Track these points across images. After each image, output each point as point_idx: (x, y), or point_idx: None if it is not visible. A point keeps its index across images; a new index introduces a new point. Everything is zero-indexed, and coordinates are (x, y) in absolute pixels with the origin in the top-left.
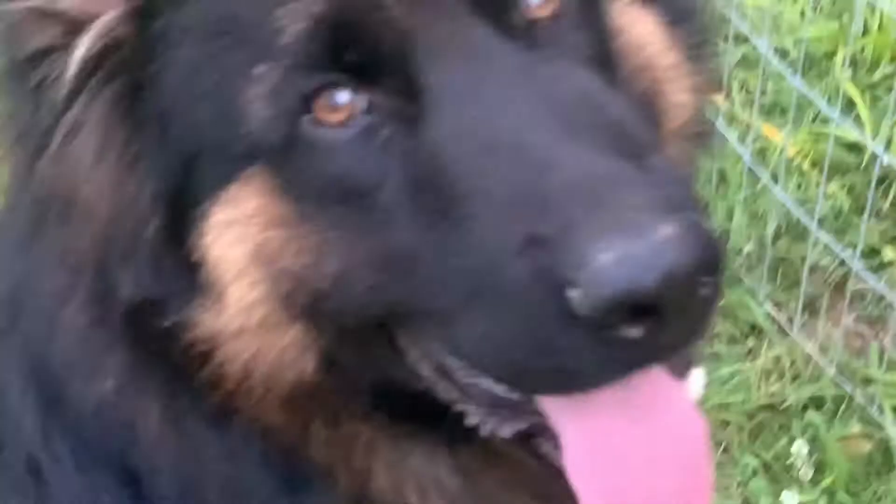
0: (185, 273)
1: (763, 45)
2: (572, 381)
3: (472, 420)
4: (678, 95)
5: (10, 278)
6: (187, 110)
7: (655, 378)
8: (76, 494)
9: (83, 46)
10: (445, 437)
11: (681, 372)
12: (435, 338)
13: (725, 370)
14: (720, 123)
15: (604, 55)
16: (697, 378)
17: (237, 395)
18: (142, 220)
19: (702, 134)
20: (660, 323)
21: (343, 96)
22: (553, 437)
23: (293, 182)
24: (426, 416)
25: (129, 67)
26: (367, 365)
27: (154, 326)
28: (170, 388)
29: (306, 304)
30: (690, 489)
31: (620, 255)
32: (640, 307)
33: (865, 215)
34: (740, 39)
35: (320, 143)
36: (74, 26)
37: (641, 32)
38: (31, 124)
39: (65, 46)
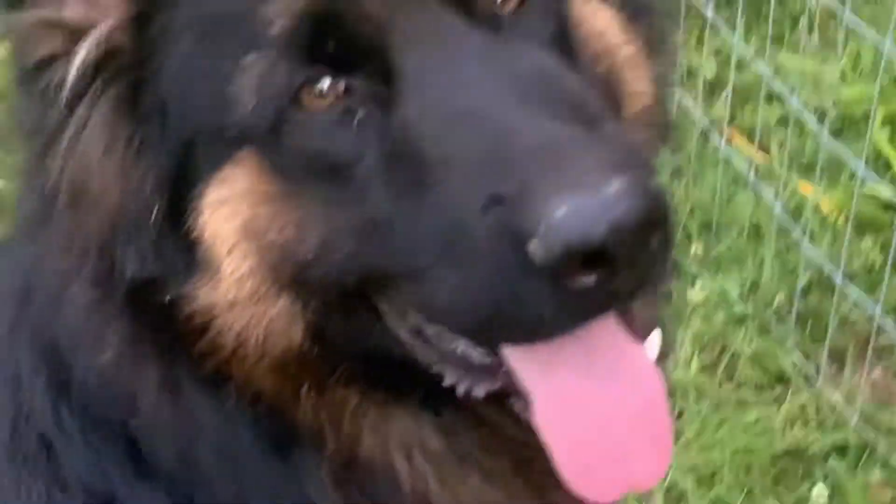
0: (185, 251)
1: (796, 103)
2: (534, 330)
3: (448, 381)
4: (637, 84)
5: (21, 270)
6: (184, 102)
7: (618, 339)
8: (85, 467)
9: (83, 53)
10: (428, 400)
11: (642, 333)
12: (410, 300)
13: (751, 415)
14: (754, 177)
15: (565, 42)
16: (656, 339)
17: (231, 363)
18: (146, 206)
19: (662, 123)
20: (611, 271)
21: (325, 83)
22: (524, 398)
23: (279, 162)
24: (409, 381)
25: (129, 69)
26: (351, 333)
27: (155, 301)
28: (167, 358)
29: (292, 274)
30: (652, 439)
31: (573, 208)
32: (591, 256)
33: (887, 271)
34: (779, 99)
35: (304, 126)
36: (77, 35)
37: (601, 23)
38: (40, 125)
39: (68, 53)
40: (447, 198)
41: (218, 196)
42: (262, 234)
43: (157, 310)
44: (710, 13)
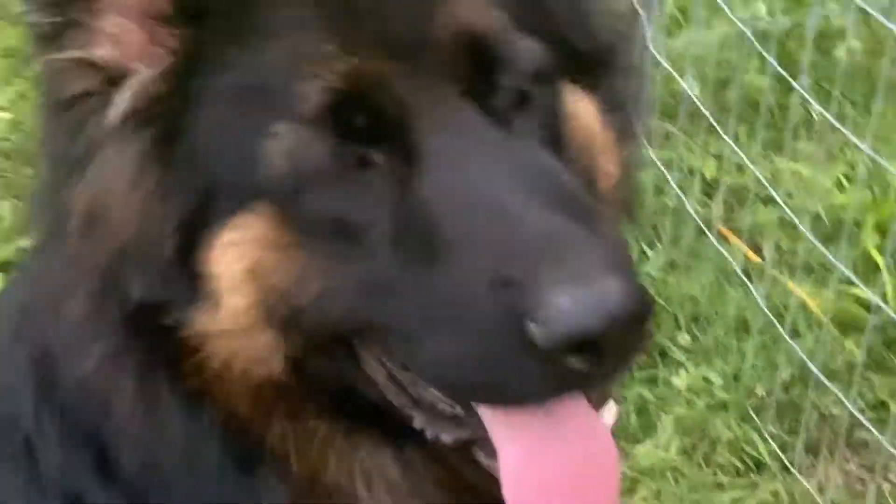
0: (190, 282)
1: (787, 208)
2: (517, 398)
3: (417, 425)
4: (608, 167)
5: (29, 283)
6: (213, 155)
7: (580, 409)
8: (58, 469)
9: (124, 96)
10: (393, 434)
11: (599, 404)
12: (400, 354)
13: (725, 498)
14: (744, 275)
15: (558, 134)
16: (611, 410)
17: (212, 384)
18: (161, 241)
19: (626, 199)
20: (599, 357)
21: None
22: (488, 448)
23: (294, 216)
24: (379, 417)
25: (164, 117)
26: (329, 370)
27: (151, 322)
28: (149, 372)
29: (286, 315)
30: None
31: (576, 301)
32: (585, 343)
33: (857, 369)
34: (774, 201)
35: (325, 190)
36: (111, 76)
37: (586, 117)
38: (65, 154)
39: (101, 92)
40: (456, 272)
41: (231, 239)
42: (266, 277)
43: (151, 329)
44: (710, 116)
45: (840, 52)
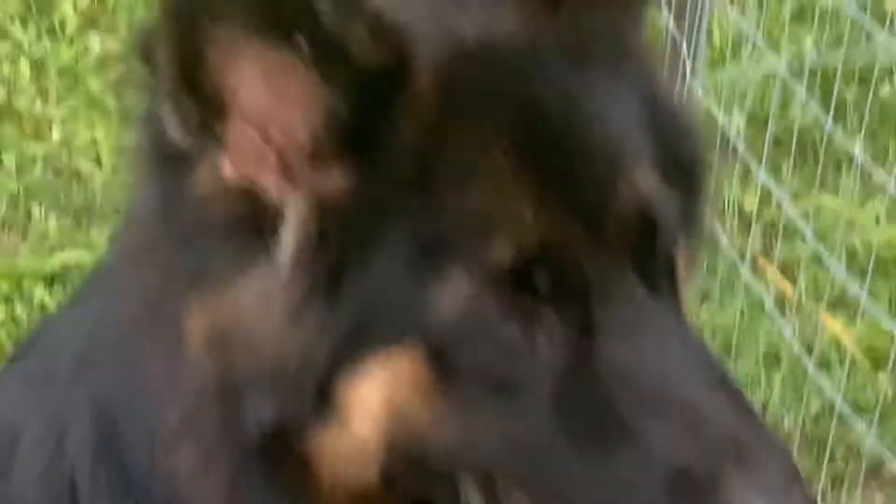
0: (319, 403)
1: (819, 244)
2: None
3: None
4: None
5: (88, 332)
6: (379, 293)
7: None
8: None
9: (287, 236)
10: None
11: None
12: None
13: None
14: (777, 307)
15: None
16: None
17: (313, 492)
18: (308, 369)
19: None
20: None
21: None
22: None
23: (448, 360)
24: None
25: (329, 255)
26: (420, 488)
27: (272, 440)
28: (247, 479)
29: (412, 448)
30: None
31: None
32: None
33: (882, 405)
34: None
35: (489, 341)
36: (260, 204)
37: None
38: (189, 266)
39: (245, 217)
40: (631, 455)
41: (375, 371)
42: (403, 413)
43: (267, 446)
44: (745, 151)
45: (884, 91)
